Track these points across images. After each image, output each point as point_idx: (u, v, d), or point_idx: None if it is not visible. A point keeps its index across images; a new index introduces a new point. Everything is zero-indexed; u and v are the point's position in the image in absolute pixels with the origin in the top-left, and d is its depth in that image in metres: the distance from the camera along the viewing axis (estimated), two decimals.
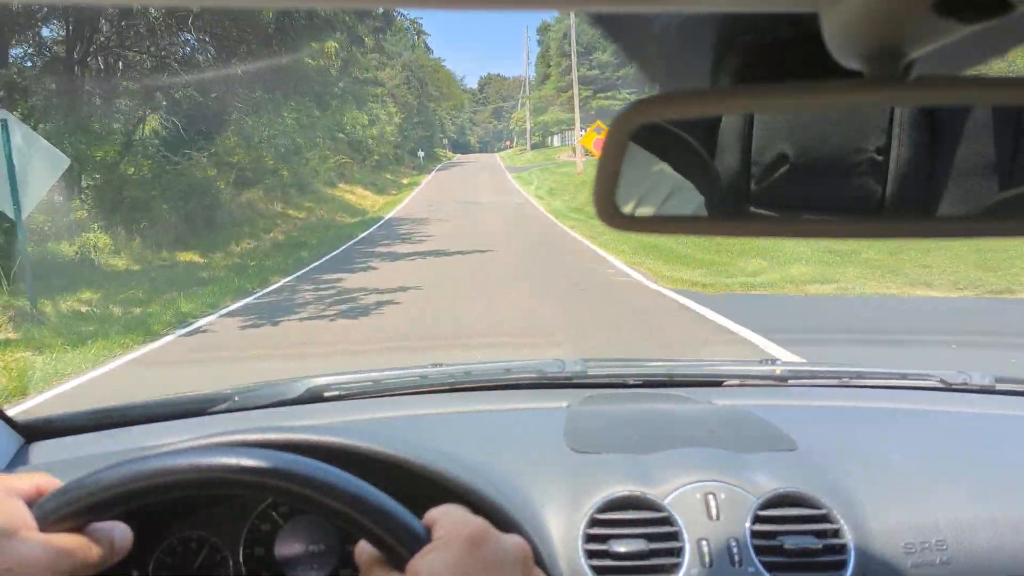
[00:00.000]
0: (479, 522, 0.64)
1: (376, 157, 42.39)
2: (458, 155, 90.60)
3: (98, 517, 0.66)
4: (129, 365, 7.04)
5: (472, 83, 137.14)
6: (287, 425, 1.22)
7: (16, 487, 0.65)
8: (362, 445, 1.02)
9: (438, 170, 55.25)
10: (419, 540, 0.62)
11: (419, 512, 0.68)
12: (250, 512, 1.14)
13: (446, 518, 0.64)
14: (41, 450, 1.30)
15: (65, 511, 0.64)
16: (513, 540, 0.63)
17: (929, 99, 0.50)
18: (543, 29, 75.54)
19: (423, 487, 0.97)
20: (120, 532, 0.68)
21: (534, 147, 73.37)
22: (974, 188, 0.56)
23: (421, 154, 61.18)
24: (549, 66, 70.41)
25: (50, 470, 0.76)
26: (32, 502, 0.65)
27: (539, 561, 0.88)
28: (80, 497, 0.64)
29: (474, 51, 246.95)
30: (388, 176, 43.15)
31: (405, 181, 43.81)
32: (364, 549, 0.65)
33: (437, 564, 0.59)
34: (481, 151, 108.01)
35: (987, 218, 0.56)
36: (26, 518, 0.62)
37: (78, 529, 0.65)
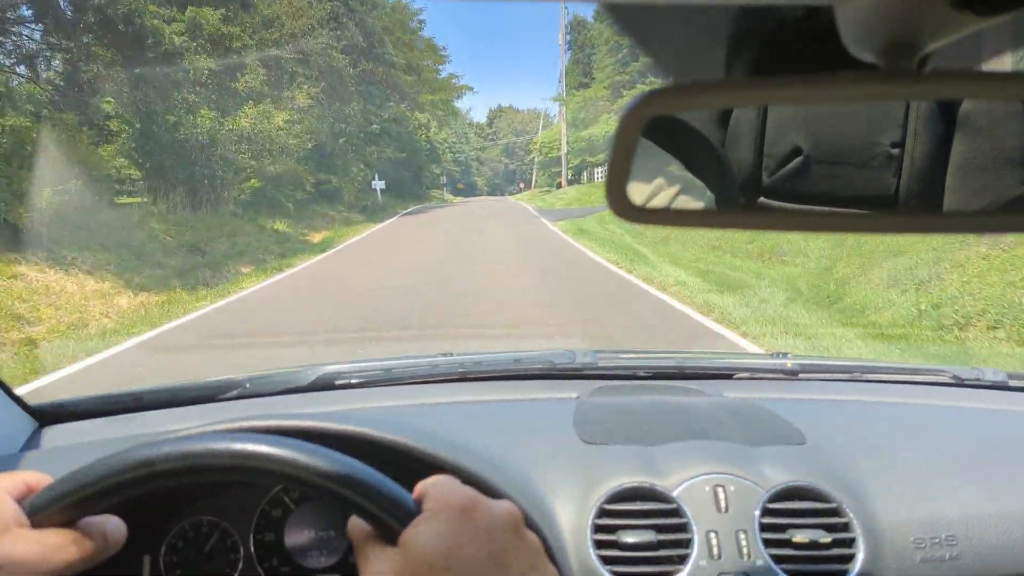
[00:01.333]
0: (468, 490, 0.64)
1: (251, 184, 20.35)
2: (459, 198, 68.60)
3: (90, 511, 0.66)
4: None
5: (480, 116, 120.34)
6: (295, 412, 1.22)
7: (5, 485, 0.65)
8: (370, 432, 1.02)
9: (403, 215, 31.93)
10: (410, 513, 0.62)
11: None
12: (261, 498, 1.15)
13: (435, 489, 0.64)
14: (53, 434, 1.32)
15: (55, 506, 0.64)
16: (503, 505, 0.63)
17: (944, 93, 0.50)
18: (576, 25, 55.37)
19: (430, 474, 0.98)
20: (113, 525, 0.68)
21: (571, 181, 48.69)
22: (989, 183, 0.56)
23: (378, 185, 35.47)
24: (592, 70, 49.63)
25: (61, 455, 0.77)
26: (22, 499, 0.65)
27: (548, 551, 0.88)
28: (69, 492, 0.64)
29: (482, 81, 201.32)
30: (247, 236, 17.69)
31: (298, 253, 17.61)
32: (356, 524, 0.65)
33: (428, 534, 0.60)
34: (490, 193, 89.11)
35: (1002, 213, 0.56)
36: (16, 515, 0.63)
37: (69, 524, 0.65)
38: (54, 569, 0.62)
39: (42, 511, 0.64)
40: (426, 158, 56.58)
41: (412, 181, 49.52)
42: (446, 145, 75.25)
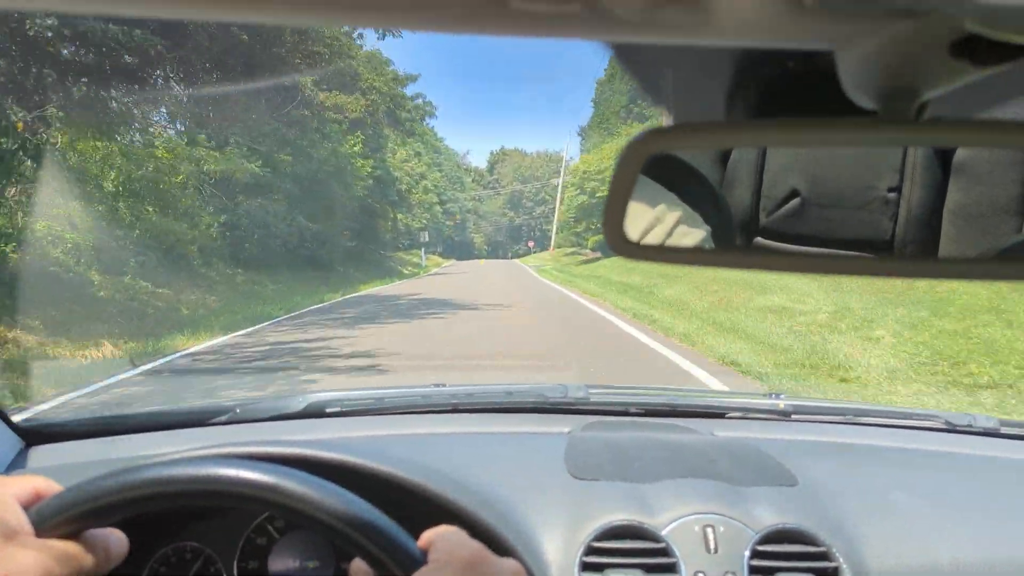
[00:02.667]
0: (475, 545, 0.64)
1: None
2: (449, 261, 55.81)
3: (95, 524, 0.66)
4: None
5: (480, 161, 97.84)
6: (287, 439, 1.22)
7: (14, 490, 0.65)
8: (360, 462, 1.01)
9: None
10: (415, 561, 0.62)
11: (416, 532, 0.68)
12: (245, 525, 1.14)
13: (442, 541, 0.64)
14: (40, 454, 1.30)
15: (62, 516, 0.64)
16: (509, 564, 0.63)
17: (942, 140, 0.51)
18: (604, 83, 47.36)
19: (420, 506, 0.97)
20: (116, 539, 0.68)
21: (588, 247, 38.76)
22: (986, 230, 0.56)
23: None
24: (612, 124, 43.42)
25: (48, 475, 0.76)
26: (29, 505, 0.65)
27: None
28: (77, 503, 0.64)
29: (478, 126, 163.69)
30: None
31: None
32: (360, 568, 0.65)
33: None
34: (491, 255, 75.18)
35: (997, 261, 0.56)
36: (22, 522, 0.62)
37: (74, 535, 0.64)
38: None
39: (49, 520, 0.64)
40: (382, 199, 34.90)
41: (362, 237, 31.55)
42: (432, 190, 57.38)
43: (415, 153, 54.05)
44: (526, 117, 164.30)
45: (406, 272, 34.44)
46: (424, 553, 0.63)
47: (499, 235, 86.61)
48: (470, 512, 0.97)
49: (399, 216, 41.22)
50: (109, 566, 0.67)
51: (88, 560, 0.64)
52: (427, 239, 53.43)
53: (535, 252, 65.11)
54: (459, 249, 75.71)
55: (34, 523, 0.64)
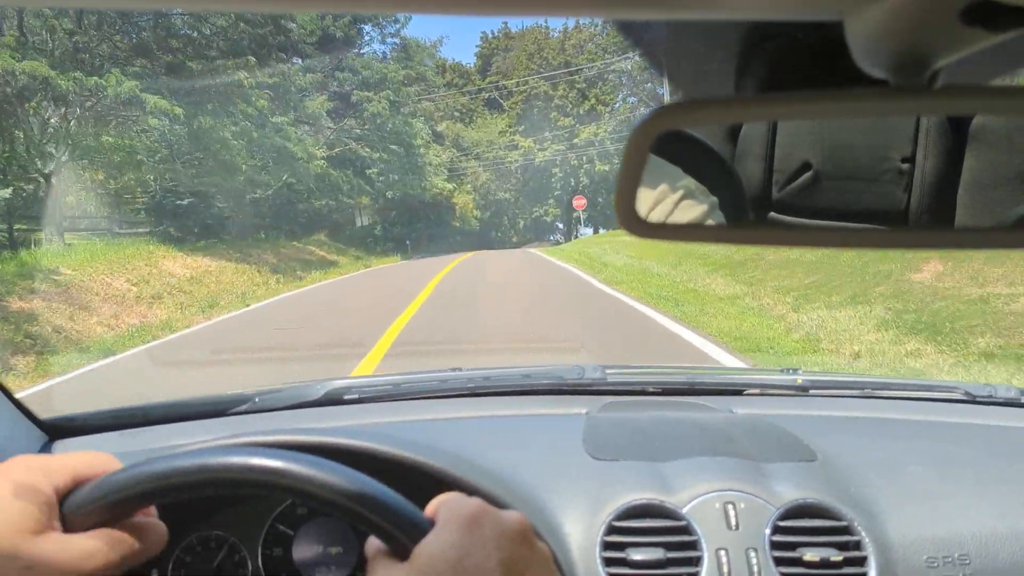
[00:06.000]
0: (475, 501, 0.64)
1: None
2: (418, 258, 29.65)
3: (130, 512, 0.67)
4: None
5: (462, 54, 60.91)
6: (308, 427, 1.23)
7: (56, 478, 0.65)
8: (380, 447, 1.02)
9: None
10: (422, 528, 0.63)
11: None
12: (269, 513, 1.15)
13: (444, 505, 0.65)
14: (64, 448, 1.32)
15: (96, 505, 0.65)
16: (511, 515, 0.64)
17: (955, 109, 0.50)
18: None
19: (440, 490, 0.98)
20: (153, 528, 0.69)
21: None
22: (1001, 199, 0.56)
23: None
24: None
25: None
26: (69, 491, 0.66)
27: (557, 567, 0.87)
28: (112, 491, 0.65)
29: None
30: None
31: None
32: (372, 543, 0.66)
33: (438, 546, 0.60)
34: (483, 244, 40.10)
35: (1014, 229, 0.55)
36: (52, 514, 0.63)
37: (108, 523, 0.65)
38: (85, 572, 0.62)
39: (83, 508, 0.65)
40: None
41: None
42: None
43: None
44: None
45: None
46: (431, 521, 0.64)
47: (503, 203, 46.94)
48: (491, 496, 0.98)
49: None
50: (149, 554, 0.68)
51: (122, 550, 0.65)
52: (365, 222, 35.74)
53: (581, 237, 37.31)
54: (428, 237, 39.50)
55: (68, 512, 0.65)
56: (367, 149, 31.23)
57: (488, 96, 50.79)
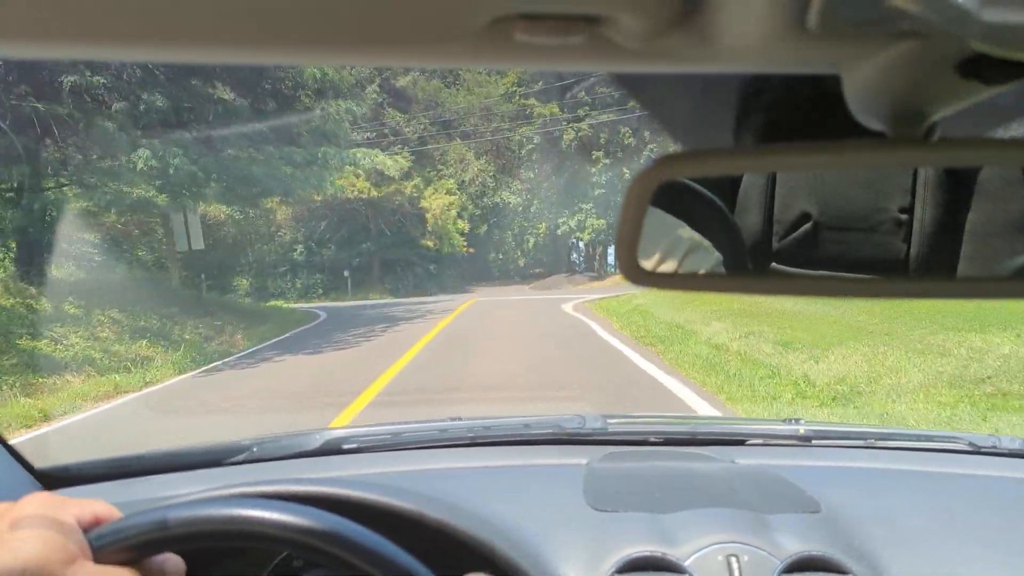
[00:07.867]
0: None
1: None
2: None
3: (152, 554, 0.67)
4: None
5: None
6: (307, 477, 1.21)
7: (76, 511, 0.66)
8: (378, 498, 1.01)
9: None
10: None
11: (437, 568, 0.67)
12: (265, 564, 1.13)
13: None
14: None
15: (122, 544, 0.65)
16: None
17: (952, 160, 0.50)
18: None
19: (441, 543, 0.96)
20: (173, 565, 0.69)
21: None
22: (1000, 249, 0.56)
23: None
24: None
25: None
26: (89, 529, 0.66)
27: None
28: (139, 532, 0.65)
29: None
30: None
31: None
32: None
33: None
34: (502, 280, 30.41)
35: (1014, 279, 0.55)
36: (82, 547, 0.64)
37: (132, 563, 0.65)
38: None
39: (110, 546, 0.65)
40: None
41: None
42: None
43: None
44: None
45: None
46: None
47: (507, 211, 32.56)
48: (491, 547, 0.96)
49: None
50: None
51: None
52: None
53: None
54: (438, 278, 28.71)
55: (94, 548, 0.65)
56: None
57: None
